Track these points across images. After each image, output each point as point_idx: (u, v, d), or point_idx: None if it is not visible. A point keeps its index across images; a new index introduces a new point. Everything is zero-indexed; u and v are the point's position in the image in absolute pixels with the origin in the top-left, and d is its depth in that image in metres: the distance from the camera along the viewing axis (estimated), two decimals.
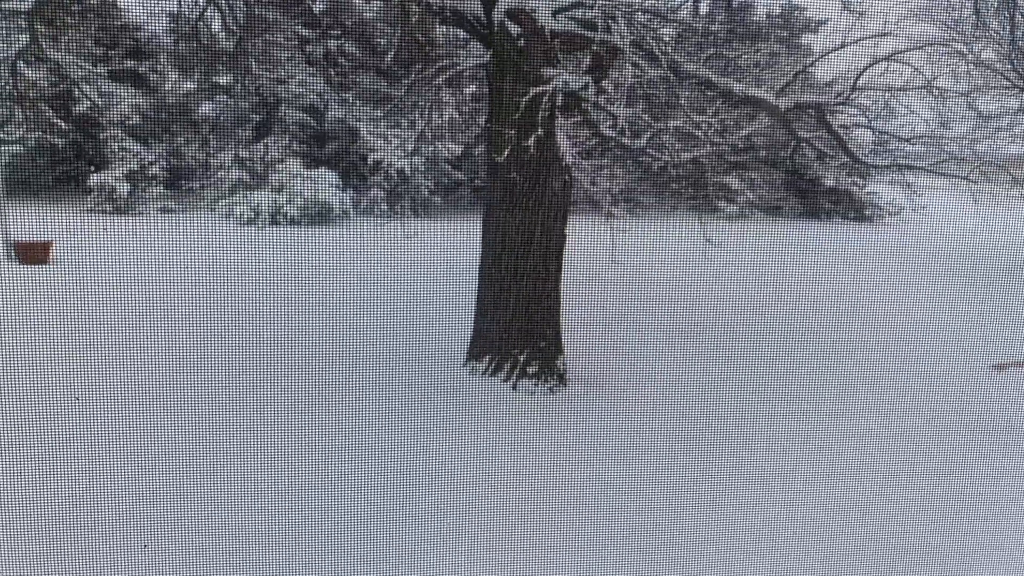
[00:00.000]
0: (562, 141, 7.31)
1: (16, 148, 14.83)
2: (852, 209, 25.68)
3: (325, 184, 19.77)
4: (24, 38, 7.56)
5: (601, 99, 7.08)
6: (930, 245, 15.49)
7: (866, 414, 6.98)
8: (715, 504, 5.28)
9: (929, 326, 9.02)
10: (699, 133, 7.92)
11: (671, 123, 7.62)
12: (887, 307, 8.11)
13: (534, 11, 6.59)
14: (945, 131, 8.69)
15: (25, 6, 7.21)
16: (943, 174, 8.12)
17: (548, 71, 6.70)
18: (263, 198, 19.44)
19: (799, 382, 7.74)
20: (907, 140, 8.14)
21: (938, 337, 8.70)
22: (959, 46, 10.15)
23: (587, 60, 7.25)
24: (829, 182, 25.09)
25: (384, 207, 21.29)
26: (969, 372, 7.53)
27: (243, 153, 20.90)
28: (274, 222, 19.09)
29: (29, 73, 16.80)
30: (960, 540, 4.87)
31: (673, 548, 4.77)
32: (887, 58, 7.30)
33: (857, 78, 7.30)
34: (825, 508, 5.25)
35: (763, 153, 22.48)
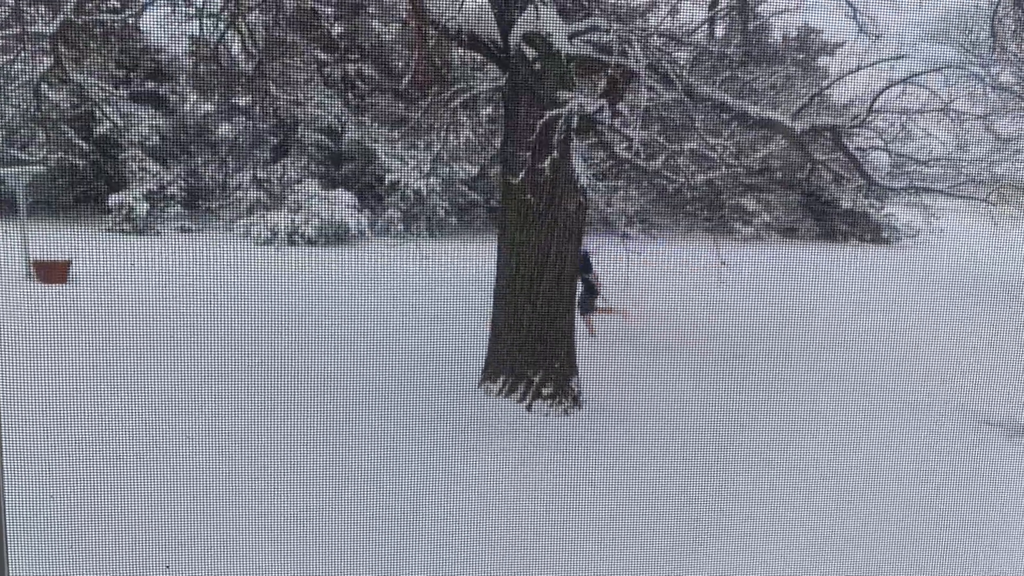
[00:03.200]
0: (577, 163, 7.33)
1: (38, 168, 15.05)
2: (869, 231, 25.53)
3: (342, 205, 19.90)
4: (48, 61, 7.70)
5: (616, 122, 7.10)
6: (948, 268, 15.35)
7: (889, 440, 6.89)
8: (733, 530, 5.22)
9: (948, 350, 8.90)
10: (714, 155, 7.92)
11: (686, 145, 7.62)
12: (904, 330, 8.04)
13: (550, 35, 6.64)
14: (963, 153, 8.64)
15: (50, 30, 7.33)
16: (961, 196, 8.06)
17: (564, 94, 6.73)
18: (280, 218, 19.60)
19: (820, 407, 7.67)
20: (924, 162, 8.10)
21: (957, 363, 8.59)
22: (976, 68, 10.10)
23: (602, 83, 7.27)
24: (846, 204, 24.98)
25: (400, 227, 21.40)
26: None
27: (261, 174, 21.11)
28: (291, 242, 19.24)
29: (52, 95, 17.10)
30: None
31: (690, 572, 4.71)
32: (904, 80, 7.28)
33: (873, 100, 7.27)
34: (847, 535, 5.18)
35: (779, 175, 22.43)
